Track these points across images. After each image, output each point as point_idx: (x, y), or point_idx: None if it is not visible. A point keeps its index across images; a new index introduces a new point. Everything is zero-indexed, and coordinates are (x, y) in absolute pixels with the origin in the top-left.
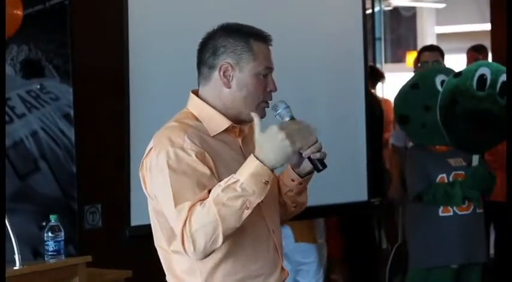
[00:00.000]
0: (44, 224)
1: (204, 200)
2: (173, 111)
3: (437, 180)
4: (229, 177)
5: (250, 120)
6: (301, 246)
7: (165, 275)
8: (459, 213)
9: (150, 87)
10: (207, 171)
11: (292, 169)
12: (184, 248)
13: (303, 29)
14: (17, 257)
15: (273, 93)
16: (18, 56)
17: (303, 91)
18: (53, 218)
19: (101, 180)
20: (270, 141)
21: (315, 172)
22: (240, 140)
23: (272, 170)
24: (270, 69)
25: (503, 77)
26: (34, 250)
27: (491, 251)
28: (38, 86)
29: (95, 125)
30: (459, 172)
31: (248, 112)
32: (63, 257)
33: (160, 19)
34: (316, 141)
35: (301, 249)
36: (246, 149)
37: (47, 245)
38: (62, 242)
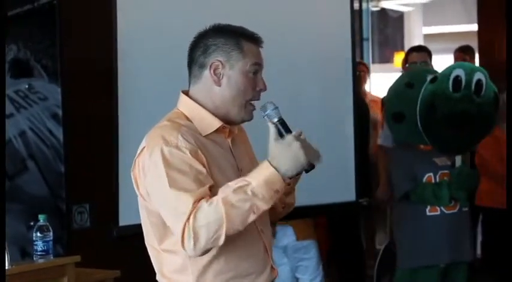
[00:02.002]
0: (32, 223)
1: (206, 197)
2: (162, 110)
3: (425, 179)
4: (240, 179)
5: (240, 121)
6: (302, 242)
7: (153, 274)
8: (446, 212)
9: (139, 87)
10: (203, 169)
11: None
12: (183, 243)
13: (291, 30)
14: (6, 257)
15: (262, 93)
16: (6, 55)
17: (291, 92)
18: (41, 218)
19: (89, 180)
20: (286, 150)
21: (303, 173)
22: (229, 141)
23: (283, 180)
24: (259, 66)
25: (477, 76)
26: (22, 250)
27: (478, 251)
28: (27, 86)
29: (83, 125)
30: (445, 171)
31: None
32: (52, 257)
33: (149, 19)
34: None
35: (302, 245)
36: (235, 149)
37: (36, 244)
38: (51, 242)
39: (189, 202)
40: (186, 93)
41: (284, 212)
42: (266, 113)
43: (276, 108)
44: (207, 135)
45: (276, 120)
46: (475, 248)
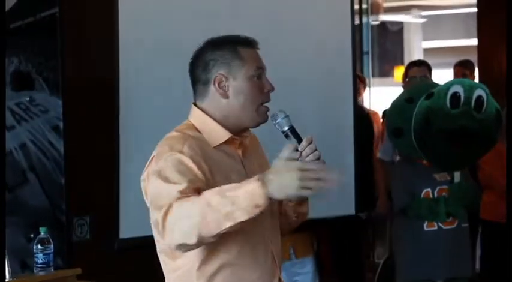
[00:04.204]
0: (32, 236)
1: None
2: (163, 121)
3: (422, 194)
4: (228, 185)
5: (255, 125)
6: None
7: None
8: (444, 227)
9: (140, 100)
10: (202, 177)
11: None
12: (163, 234)
13: (292, 43)
14: (6, 269)
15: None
16: (8, 68)
17: (292, 104)
18: (42, 230)
19: (89, 193)
20: (283, 174)
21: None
22: (240, 152)
23: (270, 199)
24: (261, 69)
25: (477, 92)
26: (22, 262)
27: (477, 265)
28: (28, 99)
29: (83, 137)
30: (444, 187)
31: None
32: (52, 270)
33: (150, 31)
34: (316, 150)
35: (299, 260)
36: (246, 161)
37: (36, 257)
38: (51, 255)
39: (172, 194)
40: (196, 106)
41: (298, 221)
42: (277, 121)
43: (287, 116)
44: (217, 146)
45: (286, 128)
46: (475, 262)
